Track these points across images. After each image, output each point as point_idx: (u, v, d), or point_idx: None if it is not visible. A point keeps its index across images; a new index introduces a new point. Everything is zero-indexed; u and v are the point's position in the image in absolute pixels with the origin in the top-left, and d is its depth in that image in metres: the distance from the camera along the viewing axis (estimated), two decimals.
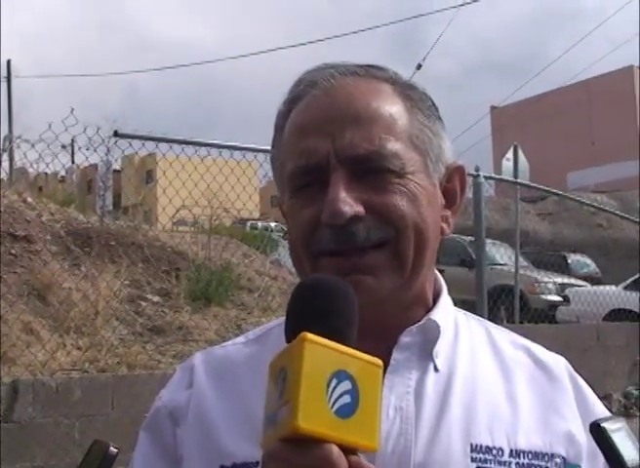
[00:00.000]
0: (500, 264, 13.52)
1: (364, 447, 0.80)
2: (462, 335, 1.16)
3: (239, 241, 10.95)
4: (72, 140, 8.47)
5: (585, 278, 17.84)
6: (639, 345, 10.06)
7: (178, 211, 9.11)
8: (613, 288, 14.10)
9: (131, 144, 6.79)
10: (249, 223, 14.85)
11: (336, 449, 0.77)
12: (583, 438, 1.08)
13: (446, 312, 1.15)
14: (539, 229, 26.00)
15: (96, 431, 5.19)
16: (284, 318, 1.09)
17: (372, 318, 0.99)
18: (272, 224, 20.51)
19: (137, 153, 7.65)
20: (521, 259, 12.09)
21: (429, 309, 1.13)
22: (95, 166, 11.85)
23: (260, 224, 16.77)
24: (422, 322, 1.09)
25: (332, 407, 0.77)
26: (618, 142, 42.74)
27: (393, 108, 1.08)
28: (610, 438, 0.91)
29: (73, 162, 13.49)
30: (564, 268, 18.78)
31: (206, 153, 7.34)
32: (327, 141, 1.04)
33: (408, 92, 1.12)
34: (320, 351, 0.79)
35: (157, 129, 6.85)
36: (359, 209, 1.02)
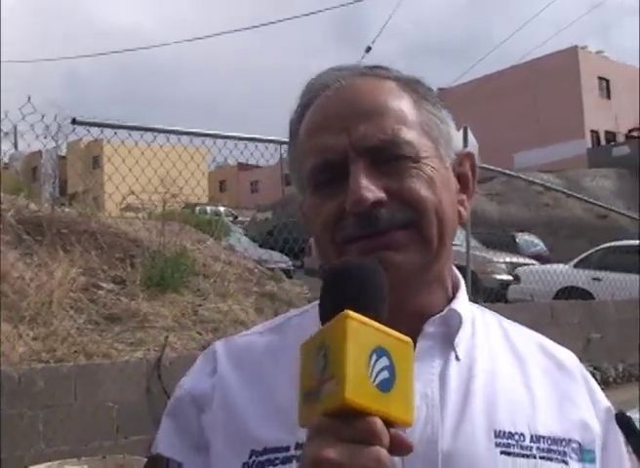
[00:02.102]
0: (454, 245, 13.65)
1: (402, 420, 0.83)
2: (479, 328, 1.19)
3: (192, 227, 10.87)
4: (14, 127, 8.31)
5: (534, 257, 18.13)
6: (591, 322, 10.28)
7: (124, 197, 8.99)
8: (562, 266, 14.35)
9: (74, 130, 6.73)
10: (197, 208, 14.73)
11: (379, 422, 0.79)
12: (597, 427, 1.13)
13: (465, 304, 1.18)
14: (486, 209, 26.36)
15: (59, 421, 5.18)
16: (301, 308, 1.24)
17: (396, 301, 0.98)
18: (221, 209, 20.44)
19: (81, 139, 7.54)
20: (472, 240, 12.21)
21: (450, 299, 1.16)
22: (39, 152, 11.62)
23: (209, 209, 16.69)
24: (445, 312, 1.13)
25: (374, 381, 0.80)
26: (562, 123, 43.53)
27: (401, 101, 1.13)
28: (635, 426, 0.99)
29: (16, 148, 13.22)
30: (513, 248, 19.06)
31: (152, 138, 7.29)
32: (342, 136, 1.08)
33: (413, 85, 1.17)
34: (361, 328, 0.82)
35: (99, 114, 6.84)
36: (381, 194, 1.05)
